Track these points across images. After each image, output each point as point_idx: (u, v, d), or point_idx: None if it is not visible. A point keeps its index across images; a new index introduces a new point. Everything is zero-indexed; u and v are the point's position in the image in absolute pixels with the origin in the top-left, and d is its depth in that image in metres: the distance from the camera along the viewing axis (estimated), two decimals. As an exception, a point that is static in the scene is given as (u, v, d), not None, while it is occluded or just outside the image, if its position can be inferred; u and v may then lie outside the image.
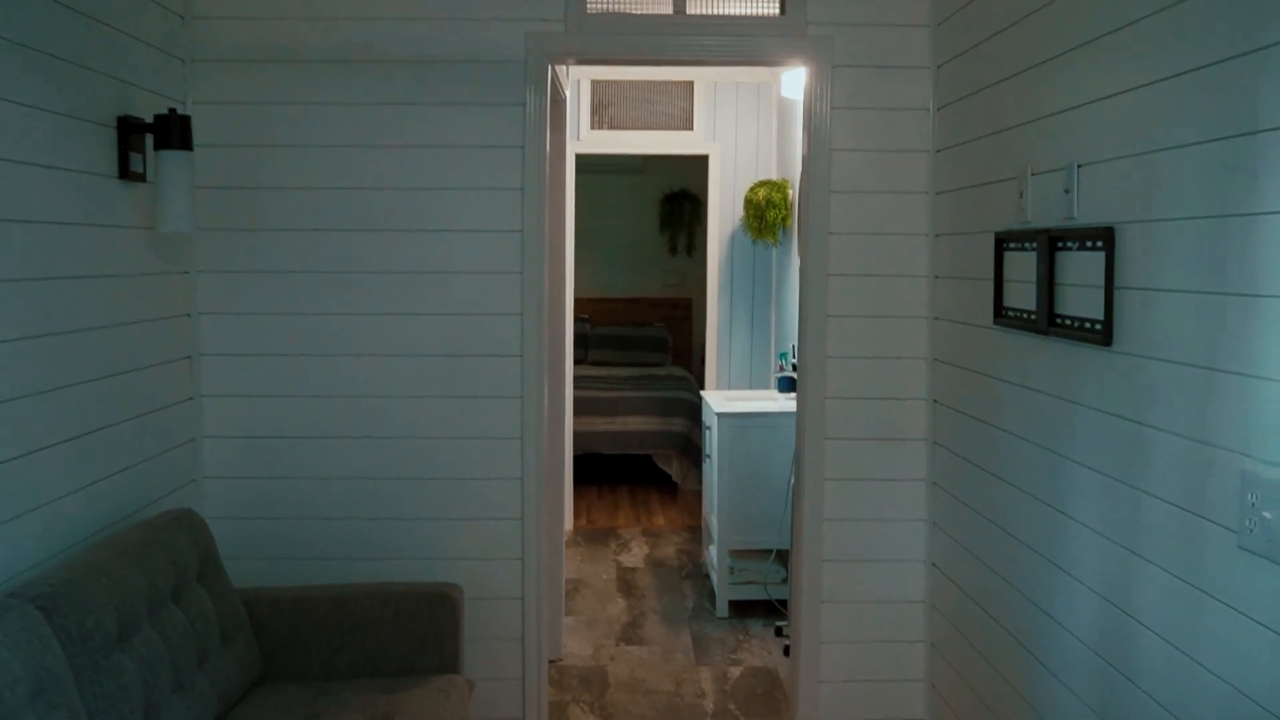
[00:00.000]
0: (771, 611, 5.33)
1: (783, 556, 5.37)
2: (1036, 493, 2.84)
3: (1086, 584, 2.56)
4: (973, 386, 3.34)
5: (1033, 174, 2.85)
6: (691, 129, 6.90)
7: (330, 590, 3.34)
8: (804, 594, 3.81)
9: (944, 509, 3.65)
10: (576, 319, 10.09)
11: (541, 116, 3.65)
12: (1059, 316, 2.68)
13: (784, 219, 6.30)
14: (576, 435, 8.07)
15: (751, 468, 5.31)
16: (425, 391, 3.70)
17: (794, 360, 5.95)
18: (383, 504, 3.73)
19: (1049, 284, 2.72)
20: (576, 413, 8.12)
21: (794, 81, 5.66)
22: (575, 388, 8.44)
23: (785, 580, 5.30)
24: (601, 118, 6.90)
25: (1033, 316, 2.83)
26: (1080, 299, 2.58)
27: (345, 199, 3.65)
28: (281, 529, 3.72)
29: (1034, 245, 2.82)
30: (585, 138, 6.87)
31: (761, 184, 6.43)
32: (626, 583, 5.87)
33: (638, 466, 8.65)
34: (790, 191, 6.32)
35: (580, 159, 7.24)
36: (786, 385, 5.97)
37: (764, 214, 6.30)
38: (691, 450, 8.15)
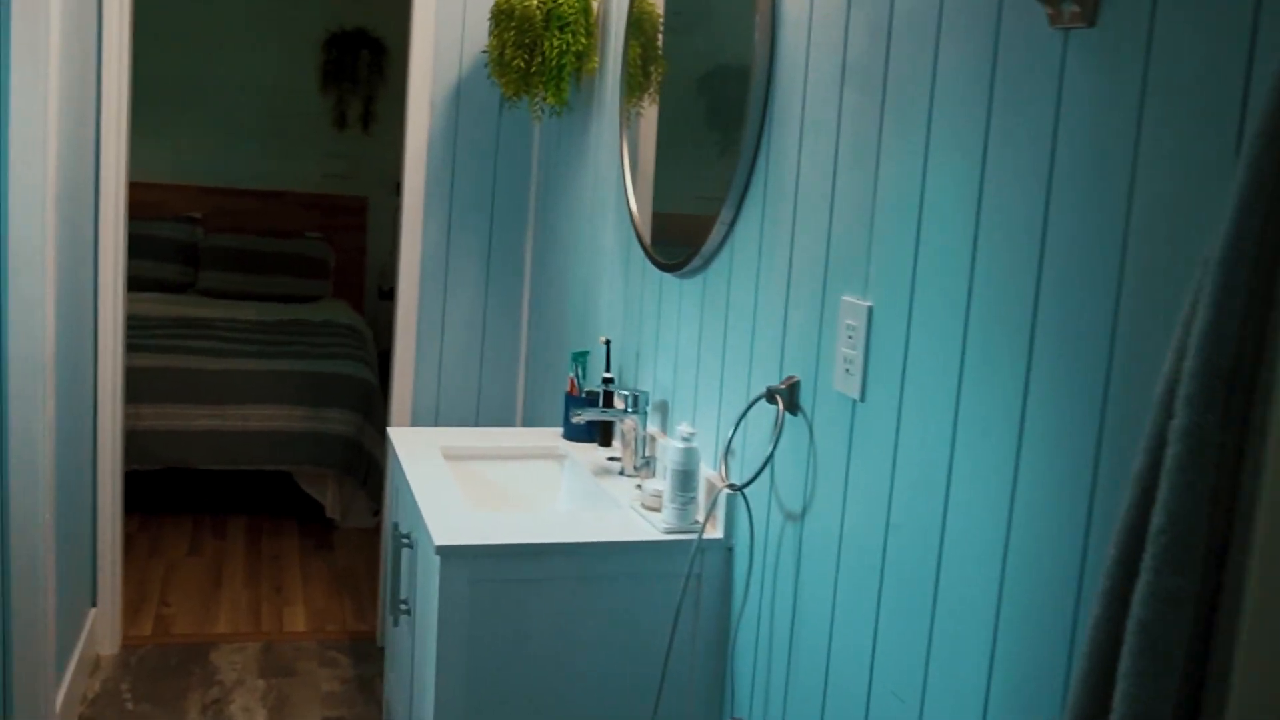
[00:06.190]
0: None
1: None
2: None
3: None
4: None
5: None
6: None
7: None
8: None
9: None
10: (178, 220, 6.32)
11: None
12: None
13: (585, 55, 2.95)
14: (151, 437, 4.47)
15: (523, 668, 2.04)
16: None
17: (608, 374, 2.65)
18: None
19: None
20: (157, 397, 4.52)
21: None
22: (163, 342, 4.86)
23: None
24: None
25: None
26: None
27: None
28: None
29: None
30: None
31: (531, -18, 3.03)
32: None
33: (263, 485, 5.09)
34: (595, 1, 2.98)
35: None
36: (584, 433, 2.69)
37: (538, 43, 2.92)
38: (360, 466, 4.72)
